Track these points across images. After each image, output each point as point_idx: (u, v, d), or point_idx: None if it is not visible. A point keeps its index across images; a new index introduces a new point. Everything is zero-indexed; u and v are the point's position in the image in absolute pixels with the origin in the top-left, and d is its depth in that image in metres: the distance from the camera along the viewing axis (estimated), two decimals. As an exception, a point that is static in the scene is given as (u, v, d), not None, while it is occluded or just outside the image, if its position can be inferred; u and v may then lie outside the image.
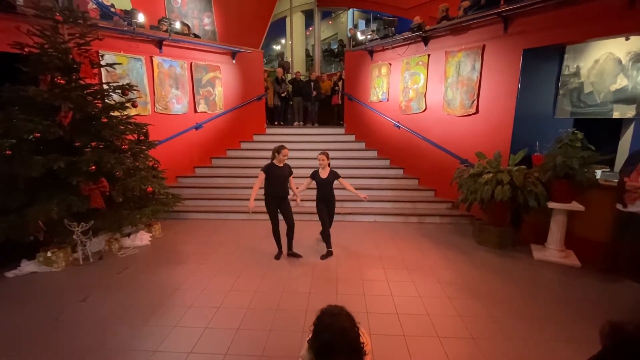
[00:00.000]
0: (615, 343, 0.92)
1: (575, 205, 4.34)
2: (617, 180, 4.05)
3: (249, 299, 3.52)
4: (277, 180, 4.37)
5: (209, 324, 3.10)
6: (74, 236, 4.26)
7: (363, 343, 1.50)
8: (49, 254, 4.18)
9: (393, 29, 7.53)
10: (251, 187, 4.26)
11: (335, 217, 6.20)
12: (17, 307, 3.39)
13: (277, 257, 4.62)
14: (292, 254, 4.61)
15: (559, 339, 2.89)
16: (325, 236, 4.74)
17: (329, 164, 4.66)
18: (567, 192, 4.36)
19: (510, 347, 2.81)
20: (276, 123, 10.33)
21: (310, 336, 1.48)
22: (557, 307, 3.42)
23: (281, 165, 4.41)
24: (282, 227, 4.59)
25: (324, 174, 4.63)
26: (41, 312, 3.29)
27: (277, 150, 4.38)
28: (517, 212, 4.92)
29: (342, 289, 3.73)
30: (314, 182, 4.69)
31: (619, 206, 3.92)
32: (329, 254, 4.65)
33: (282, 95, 10.17)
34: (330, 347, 1.38)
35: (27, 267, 4.16)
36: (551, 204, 4.41)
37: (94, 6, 5.96)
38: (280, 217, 4.52)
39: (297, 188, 4.64)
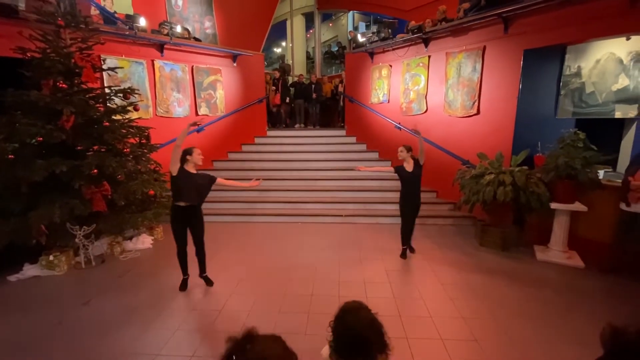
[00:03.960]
0: (616, 347, 0.90)
1: (578, 206, 4.32)
2: (620, 181, 4.03)
3: (251, 302, 3.51)
4: (188, 188, 3.50)
5: (211, 328, 3.09)
6: (76, 240, 4.27)
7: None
8: (51, 257, 4.19)
9: (390, 30, 7.54)
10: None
11: (337, 219, 6.26)
12: (19, 311, 3.39)
13: (183, 286, 3.84)
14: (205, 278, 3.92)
15: (562, 341, 2.87)
16: (406, 233, 4.58)
17: (411, 156, 4.36)
18: (569, 193, 4.34)
19: (514, 349, 2.79)
20: (283, 125, 10.31)
21: (331, 337, 1.39)
22: (560, 308, 3.40)
23: (194, 171, 3.56)
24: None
25: (409, 167, 4.36)
26: (43, 316, 3.29)
27: (189, 152, 3.51)
28: (519, 213, 4.90)
29: (343, 292, 3.72)
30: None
31: (623, 206, 3.91)
32: (404, 251, 4.62)
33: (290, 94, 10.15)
34: (363, 342, 1.32)
35: (30, 270, 4.17)
36: (554, 205, 4.39)
37: (97, 11, 5.99)
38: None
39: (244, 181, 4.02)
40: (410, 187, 4.44)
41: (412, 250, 4.79)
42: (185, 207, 3.54)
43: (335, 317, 1.42)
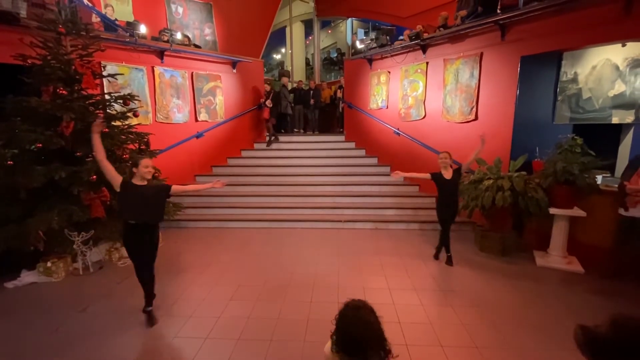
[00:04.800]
0: (591, 347, 0.90)
1: (577, 211, 4.32)
2: (617, 185, 4.04)
3: (249, 309, 3.49)
4: (133, 203, 3.05)
5: (209, 335, 3.07)
6: (74, 246, 4.25)
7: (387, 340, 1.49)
8: (48, 264, 4.16)
9: (388, 37, 7.62)
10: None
11: (336, 225, 6.25)
12: (16, 319, 3.36)
13: (151, 322, 3.26)
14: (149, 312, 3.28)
15: (563, 347, 2.85)
16: (445, 240, 4.55)
17: (450, 165, 4.42)
18: (568, 198, 4.34)
19: (514, 355, 2.77)
20: (295, 131, 10.26)
21: (333, 330, 1.48)
22: (561, 314, 3.38)
23: (143, 183, 3.13)
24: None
25: (447, 174, 4.37)
26: (40, 323, 3.26)
27: (135, 164, 3.14)
28: (518, 218, 4.90)
29: (343, 298, 3.65)
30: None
31: (621, 211, 3.91)
32: (449, 258, 4.56)
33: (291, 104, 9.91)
34: (358, 342, 1.39)
35: (27, 277, 4.14)
36: (552, 210, 4.39)
37: (98, 19, 6.04)
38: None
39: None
40: (448, 194, 4.43)
41: (438, 258, 4.72)
42: (136, 225, 3.06)
43: (339, 313, 1.48)
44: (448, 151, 4.48)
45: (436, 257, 4.75)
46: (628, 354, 0.77)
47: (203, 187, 3.47)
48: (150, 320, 3.23)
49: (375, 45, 7.92)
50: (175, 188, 3.25)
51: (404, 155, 7.48)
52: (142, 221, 3.07)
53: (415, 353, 2.79)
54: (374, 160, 8.30)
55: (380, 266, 4.53)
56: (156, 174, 5.27)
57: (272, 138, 9.10)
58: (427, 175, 4.44)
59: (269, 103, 8.94)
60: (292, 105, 10.01)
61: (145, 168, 3.08)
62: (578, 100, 5.15)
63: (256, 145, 9.15)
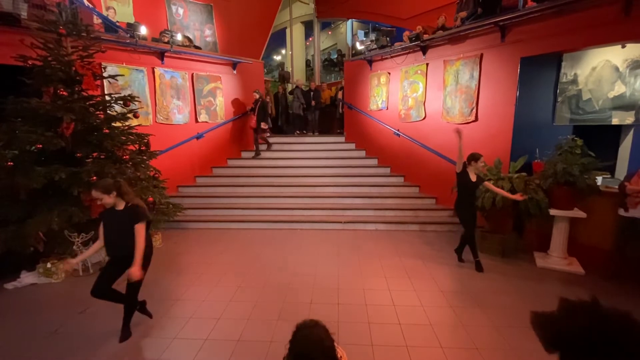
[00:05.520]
0: (545, 330, 0.92)
1: (577, 212, 4.32)
2: (617, 186, 4.05)
3: (249, 310, 3.49)
4: (108, 231, 2.88)
5: (209, 336, 3.06)
6: (74, 247, 4.25)
7: (340, 357, 1.48)
8: (48, 265, 4.16)
9: (388, 38, 7.63)
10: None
11: (336, 226, 6.25)
12: (15, 320, 3.36)
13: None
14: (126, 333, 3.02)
15: (564, 349, 2.84)
16: (471, 244, 4.42)
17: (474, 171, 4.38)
18: (568, 199, 4.34)
19: (515, 356, 2.76)
20: (299, 132, 10.29)
21: (286, 353, 1.45)
22: (561, 315, 3.37)
23: (121, 207, 2.88)
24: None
25: (473, 176, 4.32)
26: (40, 324, 3.26)
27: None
28: (518, 220, 4.90)
29: (343, 299, 3.69)
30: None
31: (621, 211, 3.91)
32: (478, 264, 4.38)
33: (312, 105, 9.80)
34: (306, 357, 1.37)
35: (27, 278, 4.13)
36: (553, 211, 4.39)
37: (99, 20, 6.06)
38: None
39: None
40: (468, 194, 4.39)
41: (461, 260, 4.66)
42: (114, 258, 2.90)
43: (292, 333, 1.46)
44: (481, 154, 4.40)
45: (460, 259, 4.67)
46: (573, 331, 0.83)
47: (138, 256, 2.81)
48: (125, 333, 3.02)
49: (375, 46, 7.94)
50: (139, 228, 2.80)
51: (404, 156, 7.48)
52: (114, 254, 2.87)
53: (416, 354, 2.78)
54: (374, 162, 8.31)
55: (380, 267, 4.53)
56: (157, 175, 5.29)
57: (266, 147, 8.83)
58: (460, 166, 4.34)
59: (263, 125, 8.45)
60: (305, 106, 9.95)
61: (96, 202, 2.79)
62: (578, 101, 5.16)
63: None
